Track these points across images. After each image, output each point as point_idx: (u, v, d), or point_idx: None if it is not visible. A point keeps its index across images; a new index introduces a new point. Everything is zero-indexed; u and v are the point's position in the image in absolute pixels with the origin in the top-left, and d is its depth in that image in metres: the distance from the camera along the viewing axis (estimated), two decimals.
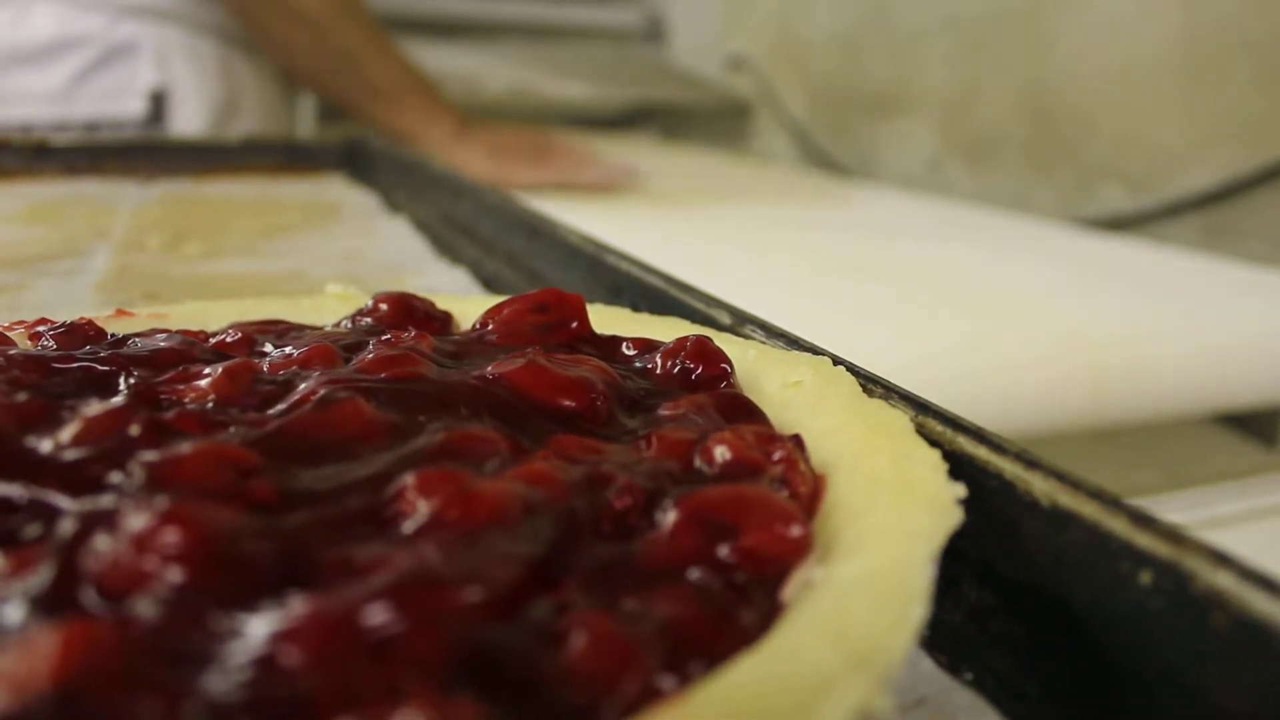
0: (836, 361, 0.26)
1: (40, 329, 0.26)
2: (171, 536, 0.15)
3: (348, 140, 0.93)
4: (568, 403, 0.23)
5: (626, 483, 0.19)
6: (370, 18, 1.12)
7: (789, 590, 0.17)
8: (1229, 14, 0.94)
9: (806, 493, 0.20)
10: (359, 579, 0.15)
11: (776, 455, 0.21)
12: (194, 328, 0.29)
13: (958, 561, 0.21)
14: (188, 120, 1.10)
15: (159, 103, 1.09)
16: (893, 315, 0.61)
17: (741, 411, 0.23)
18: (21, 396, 0.21)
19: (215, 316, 0.30)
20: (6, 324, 0.27)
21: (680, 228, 0.87)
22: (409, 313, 0.30)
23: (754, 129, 1.80)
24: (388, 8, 1.82)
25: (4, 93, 1.06)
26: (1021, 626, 0.20)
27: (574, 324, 0.28)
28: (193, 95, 1.10)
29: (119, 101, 1.07)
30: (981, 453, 0.21)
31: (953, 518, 0.18)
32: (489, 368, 0.24)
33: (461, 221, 0.65)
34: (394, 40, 1.14)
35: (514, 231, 0.56)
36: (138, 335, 0.27)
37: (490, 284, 0.50)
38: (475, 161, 1.07)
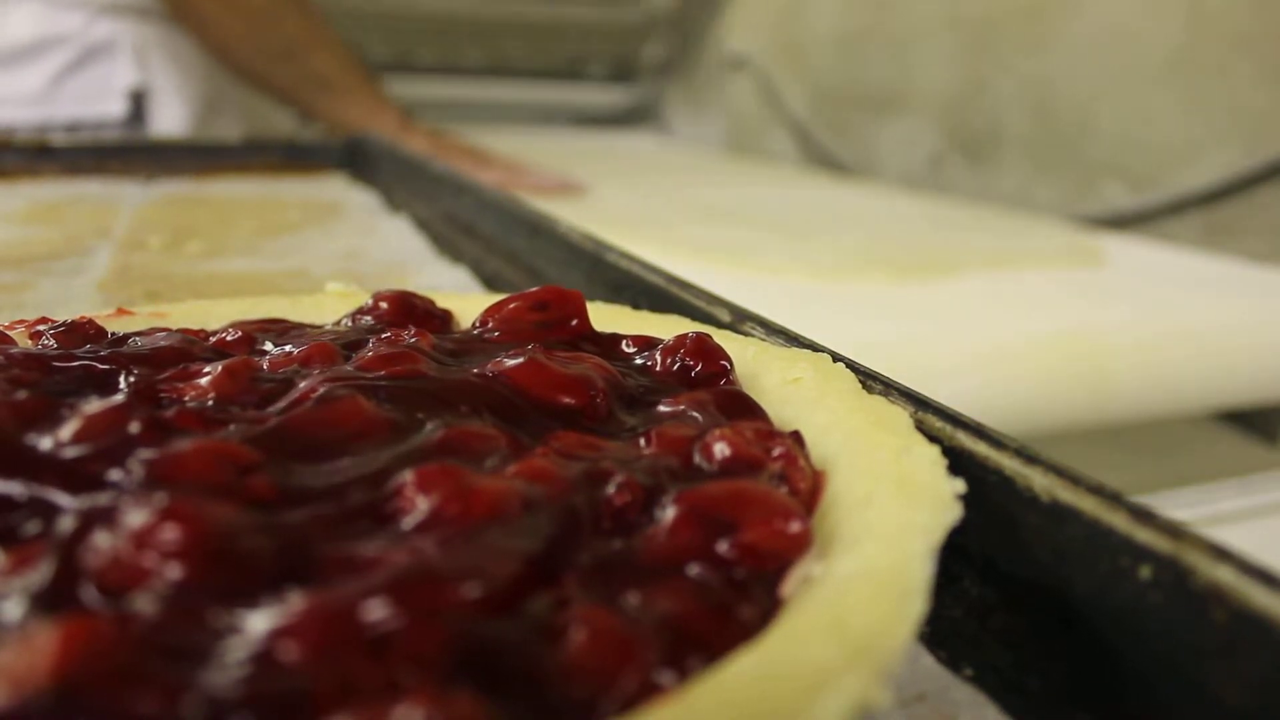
0: (836, 358, 0.26)
1: (41, 328, 0.26)
2: (171, 533, 0.15)
3: (348, 139, 0.93)
4: (567, 400, 0.23)
5: (626, 479, 0.19)
6: (311, 7, 1.10)
7: (788, 585, 0.17)
8: (1230, 12, 0.94)
9: (806, 488, 0.20)
10: (358, 575, 0.15)
11: (776, 451, 0.21)
12: (194, 326, 0.29)
13: (958, 557, 0.21)
14: (169, 120, 1.08)
15: (139, 102, 1.08)
16: (896, 315, 0.61)
17: (741, 408, 0.23)
18: (22, 394, 0.21)
19: (216, 315, 0.30)
20: (8, 323, 0.27)
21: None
22: (409, 311, 0.30)
23: (755, 128, 1.80)
24: (392, 8, 1.82)
25: None
26: (1022, 621, 0.20)
27: (574, 322, 0.28)
28: (173, 94, 1.08)
29: (99, 102, 1.06)
30: (981, 448, 0.21)
31: (952, 513, 0.18)
32: (489, 365, 0.24)
33: (462, 220, 0.65)
34: (336, 32, 1.13)
35: (515, 230, 0.56)
36: (138, 334, 0.27)
37: (491, 282, 0.50)
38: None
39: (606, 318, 0.30)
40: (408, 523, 0.17)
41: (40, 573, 0.15)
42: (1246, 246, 0.94)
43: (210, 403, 0.22)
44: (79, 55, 1.05)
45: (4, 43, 1.05)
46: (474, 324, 0.29)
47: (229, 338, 0.27)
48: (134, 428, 0.19)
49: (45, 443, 0.19)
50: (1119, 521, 0.18)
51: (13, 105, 1.06)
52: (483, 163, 1.06)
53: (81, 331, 0.26)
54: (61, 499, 0.17)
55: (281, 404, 0.21)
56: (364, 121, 1.08)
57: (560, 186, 1.04)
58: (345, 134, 1.07)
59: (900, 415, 0.22)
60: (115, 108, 1.07)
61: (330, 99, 1.10)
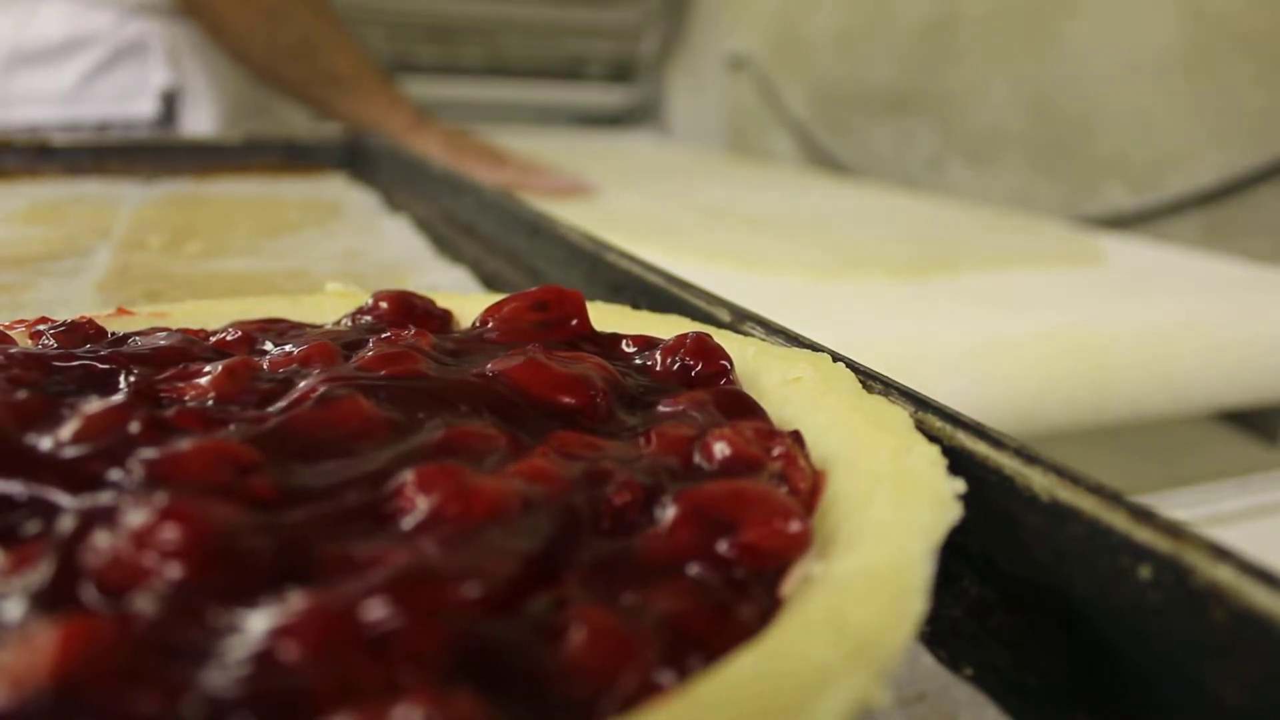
0: (836, 358, 0.26)
1: (41, 327, 0.26)
2: (171, 533, 0.15)
3: (348, 139, 0.93)
4: (567, 400, 0.23)
5: (626, 479, 0.19)
6: (326, 4, 1.09)
7: (788, 585, 0.17)
8: (1229, 11, 0.94)
9: (806, 488, 0.20)
10: (358, 575, 0.15)
11: (776, 451, 0.21)
12: (194, 326, 0.29)
13: (958, 556, 0.21)
14: (200, 121, 1.08)
15: (170, 103, 1.07)
16: (897, 314, 0.61)
17: (741, 408, 0.23)
18: (22, 394, 0.21)
19: (216, 315, 0.30)
20: (8, 323, 0.27)
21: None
22: (409, 311, 0.30)
23: (755, 128, 1.80)
24: (392, 8, 1.82)
25: (12, 94, 1.04)
26: (1021, 621, 0.20)
27: (574, 321, 0.28)
28: (205, 95, 1.08)
29: (130, 102, 1.05)
30: (981, 448, 0.21)
31: (952, 513, 0.18)
32: (489, 365, 0.24)
33: (462, 220, 0.65)
34: (350, 29, 1.12)
35: (514, 230, 0.56)
36: (138, 334, 0.27)
37: (491, 282, 0.50)
38: (432, 152, 1.06)
39: (606, 317, 0.30)
40: (408, 522, 0.17)
41: (40, 572, 0.15)
42: (1246, 246, 0.94)
43: (210, 402, 0.22)
44: (110, 55, 1.04)
45: (33, 41, 1.03)
46: (474, 324, 0.29)
47: (229, 337, 0.27)
48: (134, 427, 0.19)
49: (45, 442, 0.19)
50: (1119, 521, 0.18)
51: (42, 104, 1.04)
52: (498, 163, 1.05)
53: (81, 331, 0.26)
54: (61, 498, 0.17)
55: (281, 404, 0.21)
56: (378, 120, 1.08)
57: (572, 188, 1.03)
58: (353, 132, 1.08)
59: (900, 415, 0.22)
60: (147, 108, 1.06)
61: (345, 97, 1.10)
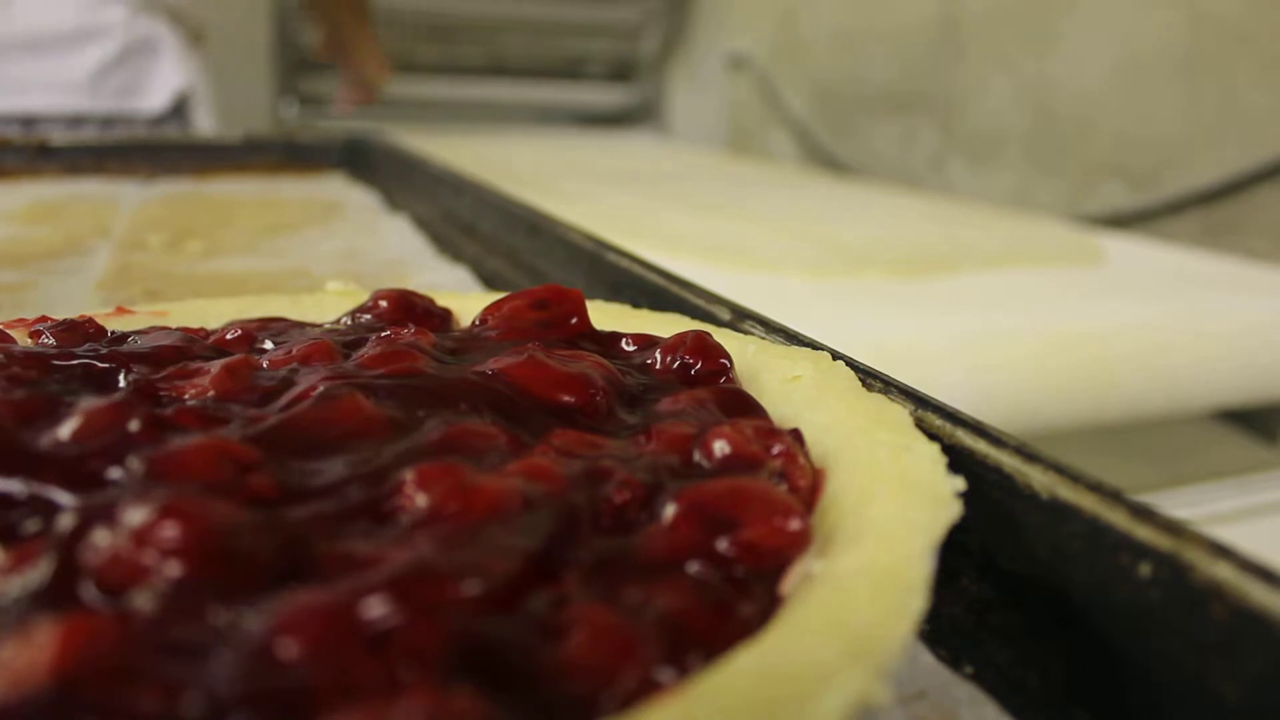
0: (836, 356, 0.26)
1: (40, 326, 0.26)
2: (170, 531, 0.15)
3: (348, 139, 0.93)
4: (567, 398, 0.23)
5: (625, 477, 0.19)
6: None
7: (788, 583, 0.17)
8: (1230, 11, 0.94)
9: (806, 486, 0.20)
10: (358, 572, 0.15)
11: (776, 449, 0.21)
12: (194, 325, 0.29)
13: (958, 554, 0.21)
14: (203, 120, 1.09)
15: (182, 102, 1.08)
16: (897, 313, 0.61)
17: (741, 406, 0.23)
18: (22, 393, 0.21)
19: (215, 314, 0.30)
20: (8, 322, 0.27)
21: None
22: (409, 309, 0.30)
23: (755, 128, 1.80)
24: (392, 8, 1.82)
25: (13, 81, 1.02)
26: (1021, 619, 0.20)
27: (574, 320, 0.28)
28: (209, 96, 1.10)
29: (139, 98, 1.06)
30: (981, 446, 0.21)
31: (952, 511, 0.18)
32: (489, 363, 0.24)
33: (462, 219, 0.65)
34: None
35: (514, 229, 0.56)
36: (138, 332, 0.27)
37: (491, 281, 0.50)
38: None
39: (606, 316, 0.30)
40: (408, 520, 0.17)
41: (40, 570, 0.15)
42: (1246, 245, 0.94)
43: (210, 401, 0.22)
44: (123, 50, 1.04)
45: (36, 28, 1.01)
46: (474, 322, 0.29)
47: (229, 336, 0.27)
48: (134, 426, 0.19)
49: (45, 441, 0.19)
50: (1118, 519, 0.18)
51: (49, 92, 1.03)
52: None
53: (81, 330, 0.26)
54: (61, 497, 0.17)
55: (281, 402, 0.21)
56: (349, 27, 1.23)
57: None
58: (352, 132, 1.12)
59: (900, 413, 0.22)
60: (158, 103, 1.06)
61: None
